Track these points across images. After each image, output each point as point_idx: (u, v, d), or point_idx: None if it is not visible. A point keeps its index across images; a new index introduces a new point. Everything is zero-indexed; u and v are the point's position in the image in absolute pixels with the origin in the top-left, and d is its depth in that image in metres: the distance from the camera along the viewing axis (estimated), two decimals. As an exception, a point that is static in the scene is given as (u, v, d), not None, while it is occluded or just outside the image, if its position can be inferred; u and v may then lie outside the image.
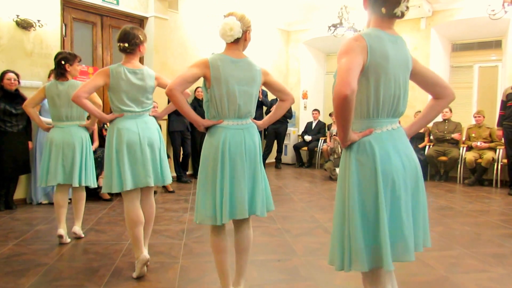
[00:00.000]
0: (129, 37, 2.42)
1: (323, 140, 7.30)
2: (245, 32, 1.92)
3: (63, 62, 3.02)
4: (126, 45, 2.41)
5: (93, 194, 4.31)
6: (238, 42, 1.93)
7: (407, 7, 1.38)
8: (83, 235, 3.17)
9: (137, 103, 2.47)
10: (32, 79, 4.30)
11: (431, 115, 1.56)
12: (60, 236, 3.00)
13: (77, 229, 3.14)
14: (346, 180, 1.37)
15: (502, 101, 5.38)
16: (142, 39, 2.47)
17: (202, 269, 2.53)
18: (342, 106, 1.25)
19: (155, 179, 2.48)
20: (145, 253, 2.42)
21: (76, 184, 3.02)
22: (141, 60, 5.46)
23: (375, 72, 1.34)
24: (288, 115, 7.34)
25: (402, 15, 1.38)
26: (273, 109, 2.18)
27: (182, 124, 5.61)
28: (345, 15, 6.06)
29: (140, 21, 5.50)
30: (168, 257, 2.72)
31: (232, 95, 1.89)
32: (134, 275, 2.41)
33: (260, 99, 6.62)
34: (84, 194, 3.23)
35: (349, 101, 1.23)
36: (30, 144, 4.15)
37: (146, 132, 2.46)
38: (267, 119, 2.17)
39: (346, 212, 1.35)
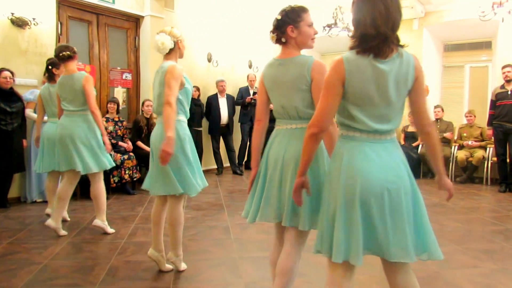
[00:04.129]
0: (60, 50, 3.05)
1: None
2: (177, 42, 2.30)
3: (50, 67, 3.49)
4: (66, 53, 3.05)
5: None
6: (173, 53, 2.31)
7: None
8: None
9: (69, 103, 3.07)
10: (27, 77, 4.28)
11: None
12: (48, 215, 3.51)
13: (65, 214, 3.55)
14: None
15: (492, 101, 5.46)
16: (70, 54, 3.05)
17: (197, 267, 2.55)
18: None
19: (81, 166, 3.05)
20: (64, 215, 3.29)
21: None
22: (138, 58, 5.47)
23: (269, 91, 1.79)
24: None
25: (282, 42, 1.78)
26: None
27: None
28: (340, 16, 6.11)
29: (136, 20, 5.48)
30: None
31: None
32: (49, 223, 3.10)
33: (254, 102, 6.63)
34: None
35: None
36: (24, 142, 4.13)
37: (68, 128, 3.01)
38: None
39: (259, 186, 1.78)
